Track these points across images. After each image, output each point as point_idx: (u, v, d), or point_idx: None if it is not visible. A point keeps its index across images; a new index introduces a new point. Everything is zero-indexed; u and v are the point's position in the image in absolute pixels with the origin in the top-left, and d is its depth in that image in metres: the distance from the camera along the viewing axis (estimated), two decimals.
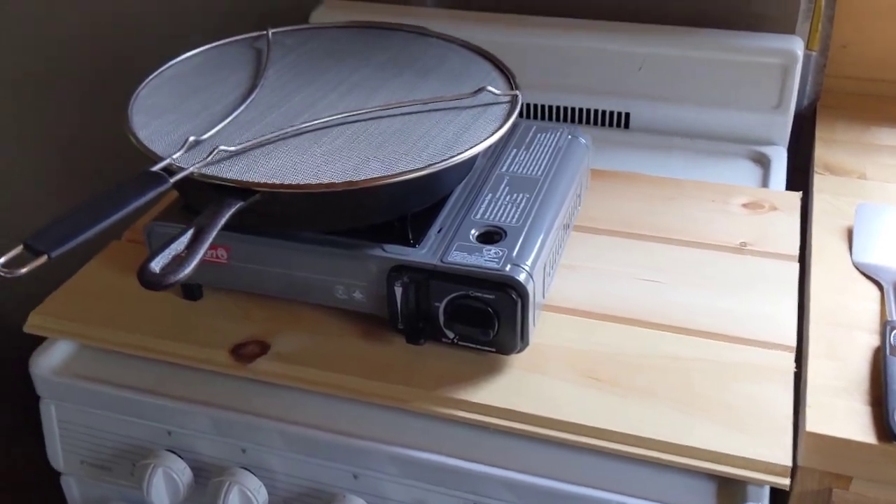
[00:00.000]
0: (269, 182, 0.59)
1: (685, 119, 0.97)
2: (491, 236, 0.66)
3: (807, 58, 1.00)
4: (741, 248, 0.77)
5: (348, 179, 0.60)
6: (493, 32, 0.99)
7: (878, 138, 0.95)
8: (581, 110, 1.00)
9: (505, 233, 0.66)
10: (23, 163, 1.45)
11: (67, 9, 1.27)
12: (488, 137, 0.65)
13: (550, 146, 0.77)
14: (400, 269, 0.64)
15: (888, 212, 0.81)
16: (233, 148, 0.62)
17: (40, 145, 1.42)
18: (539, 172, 0.74)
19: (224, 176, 0.60)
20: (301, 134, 0.66)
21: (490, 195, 0.71)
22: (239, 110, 0.68)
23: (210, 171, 0.60)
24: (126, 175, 0.58)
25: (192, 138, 0.63)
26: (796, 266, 0.75)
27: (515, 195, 0.71)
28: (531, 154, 0.76)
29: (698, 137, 0.97)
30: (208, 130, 0.65)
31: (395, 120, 0.68)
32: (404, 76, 0.75)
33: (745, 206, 0.82)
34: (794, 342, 0.67)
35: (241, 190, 0.59)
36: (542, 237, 0.67)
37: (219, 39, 0.81)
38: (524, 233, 0.66)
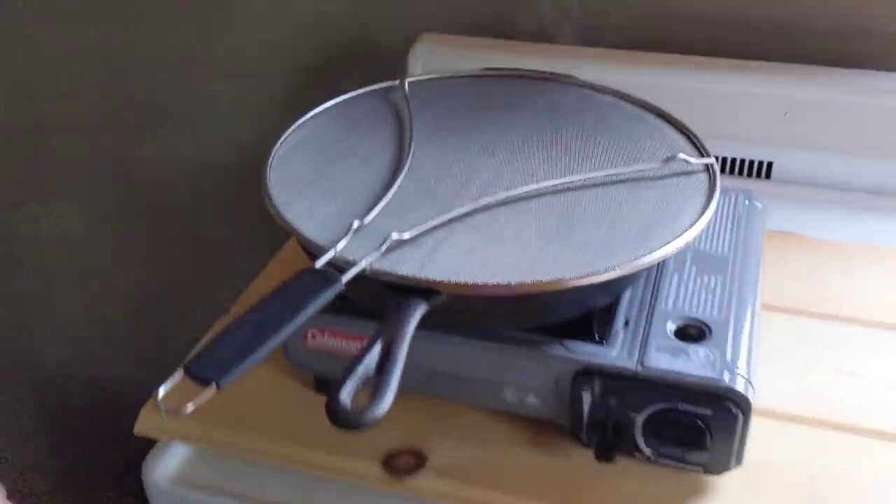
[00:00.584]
0: (460, 282, 0.50)
1: (833, 169, 0.87)
2: (691, 332, 0.57)
3: None
4: None
5: (555, 278, 0.50)
6: (620, 71, 0.90)
7: None
8: (718, 158, 0.90)
9: (709, 329, 0.57)
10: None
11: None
12: (697, 220, 0.55)
13: (728, 214, 0.68)
14: (588, 373, 0.55)
15: None
16: (407, 235, 0.52)
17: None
18: (725, 248, 0.64)
19: (404, 273, 0.50)
20: (475, 213, 0.56)
21: (677, 277, 0.61)
22: (397, 183, 0.58)
23: (387, 265, 0.51)
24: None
25: (356, 223, 0.53)
26: None
27: (706, 278, 0.61)
28: (710, 224, 0.66)
29: (847, 190, 0.87)
30: (366, 209, 0.56)
31: (578, 195, 0.58)
32: (567, 137, 0.65)
33: None
34: None
35: (424, 290, 0.49)
36: (749, 333, 0.57)
37: (340, 92, 0.71)
38: (731, 328, 0.57)
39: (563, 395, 0.56)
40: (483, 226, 0.55)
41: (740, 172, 0.90)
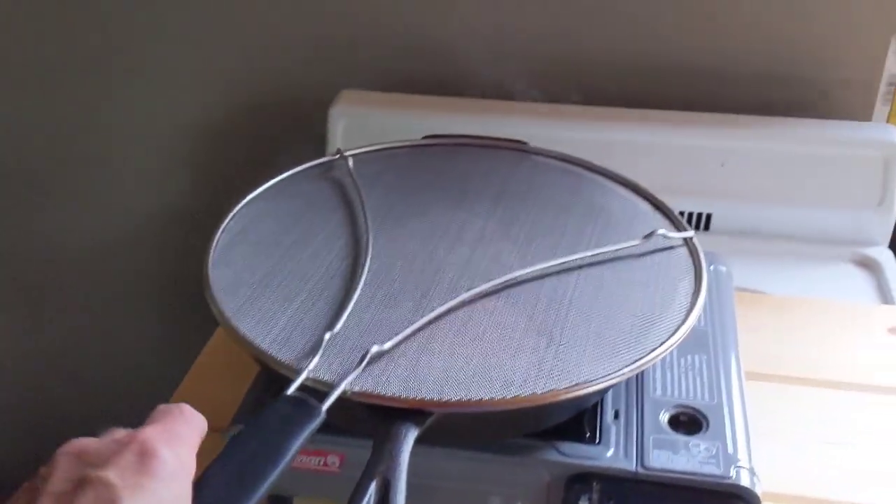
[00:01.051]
0: (453, 399, 0.44)
1: (774, 219, 0.87)
2: (685, 422, 0.53)
3: None
4: None
5: (554, 389, 0.45)
6: (555, 127, 0.87)
7: None
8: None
9: (705, 418, 0.53)
10: None
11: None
12: (693, 306, 0.52)
13: None
14: (585, 478, 0.50)
15: None
16: (387, 345, 0.47)
17: None
18: (702, 322, 0.61)
19: (391, 393, 0.44)
20: (452, 311, 0.51)
21: (660, 360, 0.58)
22: (361, 282, 0.52)
23: (370, 384, 0.45)
24: None
25: (327, 335, 0.47)
26: None
27: (690, 358, 0.58)
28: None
29: (789, 239, 0.86)
30: (332, 316, 0.49)
31: (560, 281, 0.54)
32: (534, 214, 0.61)
33: (891, 331, 0.72)
34: None
35: (415, 412, 0.44)
36: (743, 415, 0.54)
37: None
38: (726, 414, 0.53)
39: (555, 499, 0.51)
40: (464, 325, 0.50)
41: None
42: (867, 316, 0.74)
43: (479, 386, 0.45)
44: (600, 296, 0.53)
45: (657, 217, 0.62)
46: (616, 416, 0.54)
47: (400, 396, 0.44)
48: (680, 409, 0.54)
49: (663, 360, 0.58)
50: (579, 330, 0.50)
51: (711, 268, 0.67)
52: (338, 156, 0.66)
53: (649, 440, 0.52)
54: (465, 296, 0.51)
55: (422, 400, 0.44)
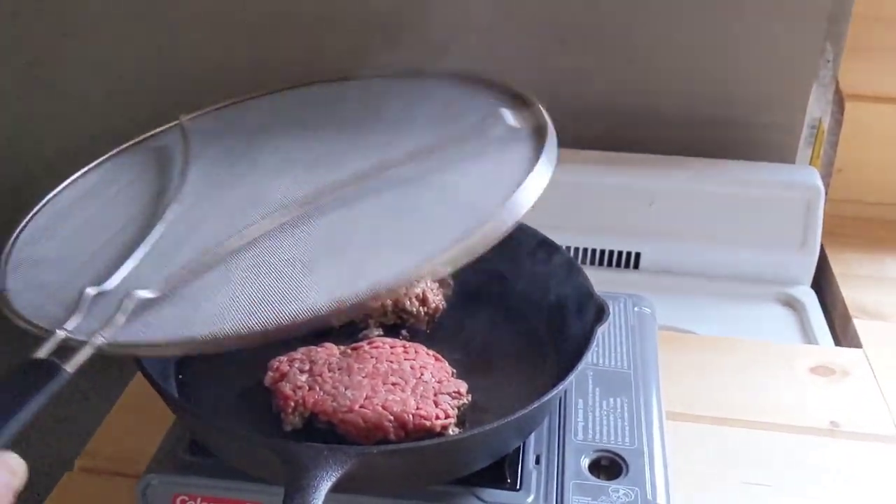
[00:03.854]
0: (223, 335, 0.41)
1: (701, 258, 0.88)
2: (606, 466, 0.53)
3: None
4: (833, 431, 0.67)
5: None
6: None
7: (893, 269, 0.90)
8: (585, 250, 0.89)
9: (625, 462, 0.53)
10: None
11: None
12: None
13: (620, 324, 0.65)
14: None
15: None
16: (154, 291, 0.43)
17: None
18: (624, 364, 0.61)
19: (161, 339, 0.41)
20: (249, 248, 0.46)
21: (582, 402, 0.58)
22: (158, 232, 0.49)
23: (134, 334, 0.41)
24: None
25: (91, 290, 0.43)
26: None
27: (611, 401, 0.58)
28: (603, 335, 0.64)
29: (715, 279, 0.88)
30: (107, 273, 0.46)
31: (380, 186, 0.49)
32: (375, 134, 0.55)
33: (813, 371, 0.73)
34: None
35: (324, 458, 0.42)
36: (662, 459, 0.54)
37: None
38: (645, 458, 0.53)
39: None
40: (259, 259, 0.45)
41: (609, 263, 0.89)
42: (790, 356, 0.75)
43: (263, 312, 0.41)
44: (422, 192, 0.49)
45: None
46: (537, 461, 0.53)
47: (163, 342, 0.41)
48: (601, 454, 0.54)
49: (584, 401, 0.58)
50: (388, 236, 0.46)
51: (635, 309, 0.67)
52: (176, 121, 0.61)
53: (570, 486, 0.51)
54: (258, 226, 0.46)
55: (192, 340, 0.40)
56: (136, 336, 0.41)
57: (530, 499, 0.50)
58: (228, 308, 0.42)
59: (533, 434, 0.55)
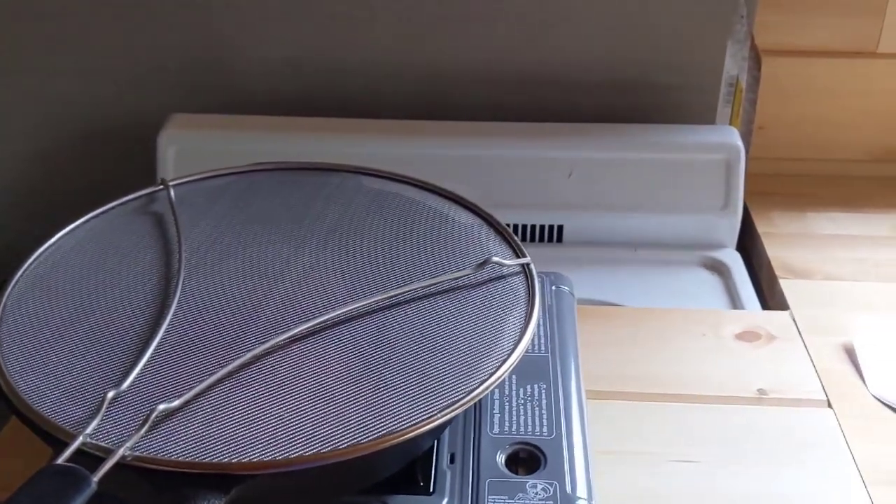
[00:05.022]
0: (259, 461, 0.40)
1: (623, 227, 0.86)
2: (524, 459, 0.51)
3: None
4: (761, 398, 0.66)
5: (376, 438, 0.42)
6: (395, 143, 0.84)
7: (821, 225, 0.89)
8: (507, 226, 0.86)
9: (543, 454, 0.51)
10: None
11: None
12: (522, 338, 0.49)
13: None
14: None
15: (886, 327, 0.73)
16: (176, 402, 0.42)
17: None
18: (542, 348, 0.59)
19: (182, 457, 0.40)
20: (263, 358, 0.46)
21: (498, 392, 0.55)
22: (161, 330, 0.47)
23: (155, 449, 0.40)
24: None
25: (111, 393, 0.42)
26: (831, 415, 0.64)
27: (529, 388, 0.55)
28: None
29: (640, 247, 0.86)
30: (122, 373, 0.45)
31: (386, 318, 0.50)
32: (365, 242, 0.57)
33: (739, 337, 0.71)
34: None
35: (218, 479, 0.39)
36: (584, 449, 0.52)
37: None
38: (564, 449, 0.51)
39: None
40: (274, 374, 0.46)
41: (532, 238, 0.86)
42: (715, 323, 0.73)
43: (283, 444, 0.41)
44: (428, 332, 0.49)
45: (497, 242, 0.58)
46: (452, 459, 0.51)
47: (186, 461, 0.40)
48: (518, 447, 0.51)
49: (500, 390, 0.55)
50: (401, 371, 0.46)
51: (553, 288, 0.65)
52: (160, 187, 0.61)
53: (486, 485, 0.49)
54: (275, 341, 0.47)
55: (211, 463, 0.40)
56: (156, 450, 0.41)
57: (444, 502, 0.48)
58: (246, 431, 0.42)
59: (448, 430, 0.52)
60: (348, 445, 0.41)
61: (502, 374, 0.46)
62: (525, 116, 0.88)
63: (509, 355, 0.47)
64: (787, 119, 0.94)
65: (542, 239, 0.86)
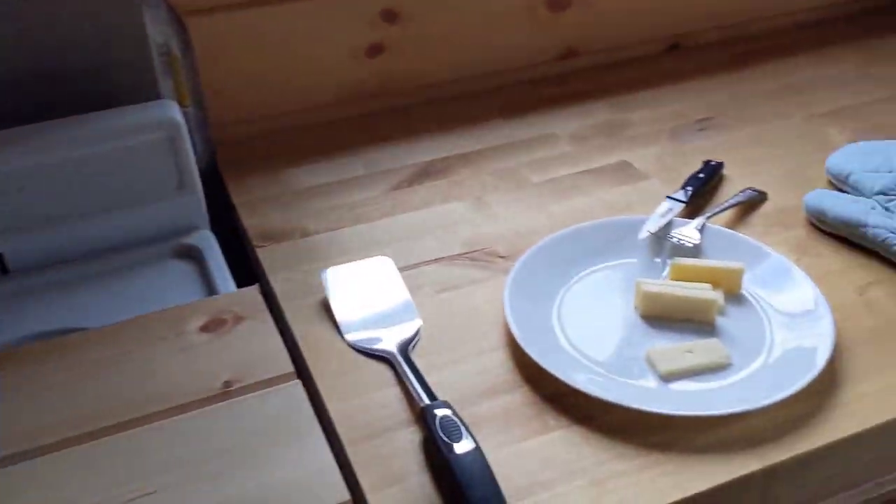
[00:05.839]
0: None
1: (79, 239, 0.76)
2: None
3: (185, 116, 0.85)
4: (227, 392, 0.61)
5: None
6: None
7: (298, 181, 0.86)
8: None
9: None
10: None
11: None
12: None
13: None
14: None
15: (352, 270, 0.72)
16: None
17: None
18: None
19: None
20: None
21: None
22: None
23: None
24: None
25: None
26: (299, 386, 0.61)
27: None
28: None
29: (104, 255, 0.76)
30: None
31: None
32: None
33: (203, 329, 0.66)
34: (347, 494, 0.54)
35: None
36: None
37: None
38: None
39: None
40: None
41: None
42: (177, 320, 0.67)
43: None
44: None
45: None
46: None
47: None
48: None
49: None
50: None
51: None
52: None
53: None
54: None
55: None
56: None
57: None
58: None
59: None
60: None
61: None
62: None
63: None
64: (242, 77, 0.89)
65: None
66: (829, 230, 0.75)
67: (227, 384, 0.61)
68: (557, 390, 0.60)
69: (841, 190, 0.79)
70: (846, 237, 0.74)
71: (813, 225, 0.76)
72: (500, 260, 0.74)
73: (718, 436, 0.57)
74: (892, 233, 0.71)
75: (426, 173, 0.86)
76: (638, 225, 0.74)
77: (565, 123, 0.94)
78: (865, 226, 0.72)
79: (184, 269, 0.76)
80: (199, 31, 0.84)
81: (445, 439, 0.55)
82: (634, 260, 0.73)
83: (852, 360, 0.63)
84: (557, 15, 0.99)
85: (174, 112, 0.77)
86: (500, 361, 0.64)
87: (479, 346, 0.65)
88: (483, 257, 0.74)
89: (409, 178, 0.86)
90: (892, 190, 0.75)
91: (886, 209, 0.73)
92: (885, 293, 0.69)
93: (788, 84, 1.00)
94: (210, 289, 0.73)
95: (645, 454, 0.57)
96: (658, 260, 0.72)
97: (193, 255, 0.77)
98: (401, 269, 0.72)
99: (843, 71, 1.03)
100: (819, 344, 0.62)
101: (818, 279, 0.69)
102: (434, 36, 0.95)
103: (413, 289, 0.71)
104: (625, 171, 0.85)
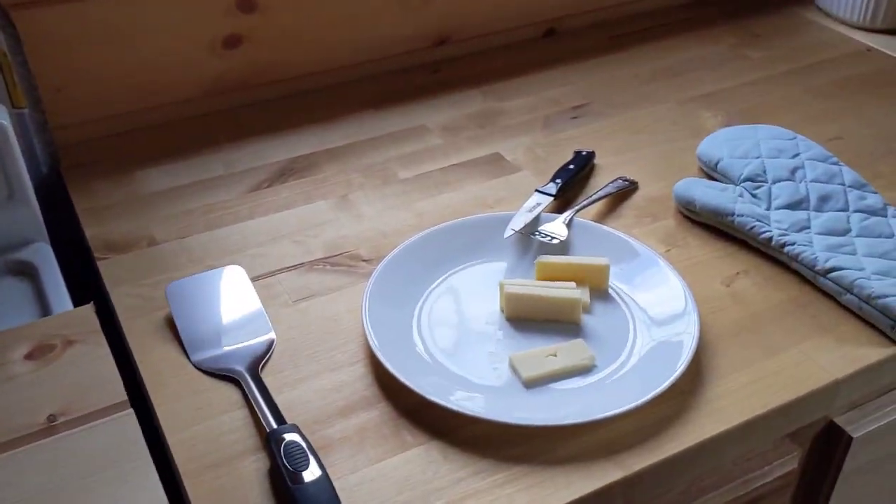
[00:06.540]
0: None
1: None
2: None
3: (20, 119, 0.78)
4: (52, 427, 0.55)
5: None
6: None
7: (149, 184, 0.80)
8: None
9: None
10: None
11: None
12: None
13: None
14: None
15: (199, 283, 0.67)
16: None
17: None
18: None
19: None
20: None
21: None
22: None
23: None
24: None
25: None
26: (131, 416, 0.56)
27: None
28: None
29: None
30: None
31: None
32: None
33: (29, 357, 0.60)
34: None
35: None
36: None
37: None
38: None
39: None
40: None
41: None
42: (1, 349, 0.60)
43: None
44: None
45: None
46: None
47: None
48: None
49: None
50: None
51: None
52: None
53: None
54: None
55: None
56: None
57: None
58: None
59: None
60: None
61: None
62: None
63: None
64: (84, 74, 0.82)
65: None
66: (698, 220, 0.73)
67: (52, 418, 0.55)
68: (418, 403, 0.57)
69: (711, 177, 0.78)
70: (715, 226, 0.72)
71: (683, 214, 0.74)
72: (364, 264, 0.70)
73: (581, 444, 0.55)
74: (759, 220, 0.69)
75: (289, 171, 0.81)
76: (507, 221, 0.71)
77: (437, 114, 0.90)
78: (732, 214, 0.70)
79: (19, 286, 0.69)
80: (28, 26, 0.77)
81: (289, 468, 0.51)
82: (503, 260, 0.70)
83: (718, 356, 0.61)
84: (429, 0, 0.95)
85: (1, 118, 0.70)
86: (359, 375, 0.60)
87: (337, 359, 0.61)
88: (345, 262, 0.70)
89: (271, 178, 0.81)
90: (760, 176, 0.74)
91: (754, 196, 0.72)
92: (751, 283, 0.67)
93: (665, 67, 0.98)
94: (45, 309, 0.67)
95: (505, 469, 0.54)
96: (527, 258, 0.70)
97: (27, 272, 0.71)
98: (254, 279, 0.68)
99: (718, 52, 1.02)
100: (684, 342, 0.60)
101: (686, 271, 0.67)
102: (297, 25, 0.90)
103: (267, 299, 0.66)
104: (496, 164, 0.82)
